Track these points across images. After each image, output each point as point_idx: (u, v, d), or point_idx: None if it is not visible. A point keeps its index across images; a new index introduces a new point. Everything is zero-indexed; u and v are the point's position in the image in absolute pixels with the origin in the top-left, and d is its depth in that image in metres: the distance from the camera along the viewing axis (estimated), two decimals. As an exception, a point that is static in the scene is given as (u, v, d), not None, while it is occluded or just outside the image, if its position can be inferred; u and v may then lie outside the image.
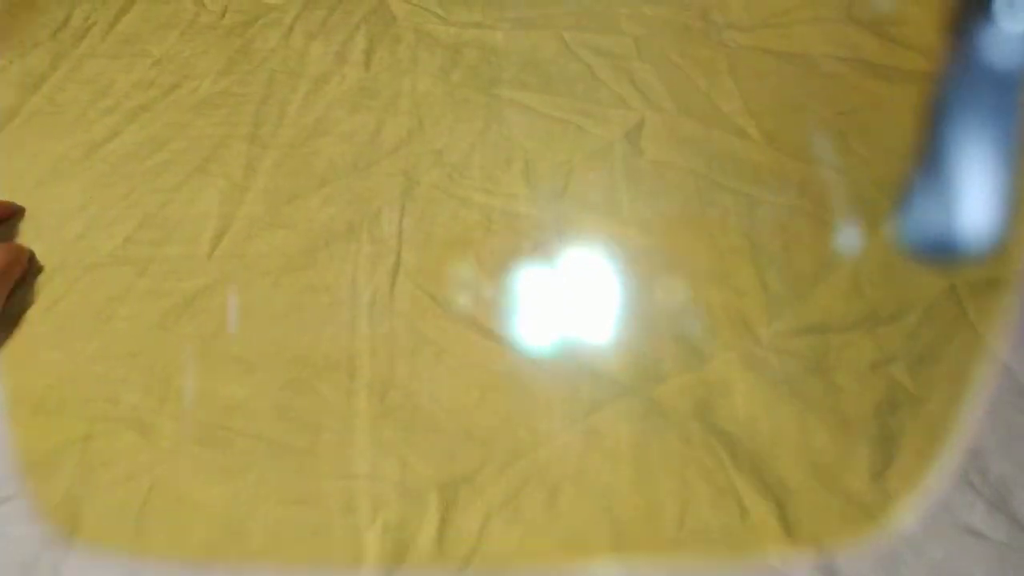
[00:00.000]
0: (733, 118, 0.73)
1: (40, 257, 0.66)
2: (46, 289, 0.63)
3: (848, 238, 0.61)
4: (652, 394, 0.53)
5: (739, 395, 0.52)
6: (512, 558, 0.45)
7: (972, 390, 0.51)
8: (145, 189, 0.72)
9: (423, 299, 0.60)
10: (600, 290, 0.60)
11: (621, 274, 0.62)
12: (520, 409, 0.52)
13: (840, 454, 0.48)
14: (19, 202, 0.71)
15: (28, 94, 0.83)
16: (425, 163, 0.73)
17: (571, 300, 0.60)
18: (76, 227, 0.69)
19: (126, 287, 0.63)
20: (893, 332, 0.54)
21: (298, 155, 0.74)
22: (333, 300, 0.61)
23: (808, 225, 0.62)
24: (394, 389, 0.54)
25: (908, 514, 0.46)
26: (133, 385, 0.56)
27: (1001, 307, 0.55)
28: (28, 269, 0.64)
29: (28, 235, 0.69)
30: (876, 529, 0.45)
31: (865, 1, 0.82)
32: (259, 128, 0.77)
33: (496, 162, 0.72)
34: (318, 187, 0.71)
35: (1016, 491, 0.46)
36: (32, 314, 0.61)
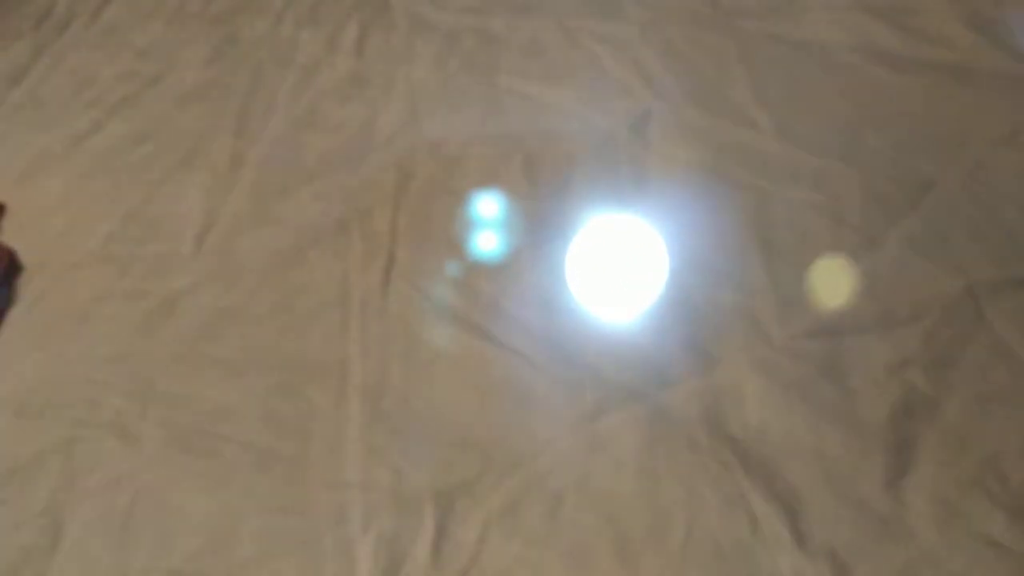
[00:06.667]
0: (743, 108, 0.70)
1: (21, 255, 0.64)
2: (27, 288, 0.62)
3: (863, 235, 0.59)
4: (659, 399, 0.51)
5: (749, 400, 0.50)
6: (512, 571, 0.44)
7: (991, 394, 0.49)
8: (128, 184, 0.70)
9: (418, 299, 0.58)
10: (604, 290, 0.58)
11: (626, 273, 0.59)
12: (520, 415, 0.51)
13: (854, 461, 0.47)
14: (0, 198, 0.70)
15: (10, 87, 0.82)
16: (420, 156, 0.70)
17: (574, 300, 0.57)
18: (58, 224, 0.67)
19: (108, 287, 0.61)
20: (909, 334, 0.52)
21: (286, 148, 0.72)
22: (323, 300, 0.59)
23: (821, 221, 0.60)
24: (387, 394, 0.52)
25: (925, 524, 0.44)
26: (115, 389, 0.54)
27: (1021, 307, 0.53)
28: (9, 268, 0.63)
29: (9, 232, 0.67)
30: (891, 539, 0.44)
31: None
32: (246, 120, 0.75)
33: (495, 155, 0.70)
34: (307, 181, 0.68)
35: (1040, 501, 0.44)
36: (13, 314, 0.60)
